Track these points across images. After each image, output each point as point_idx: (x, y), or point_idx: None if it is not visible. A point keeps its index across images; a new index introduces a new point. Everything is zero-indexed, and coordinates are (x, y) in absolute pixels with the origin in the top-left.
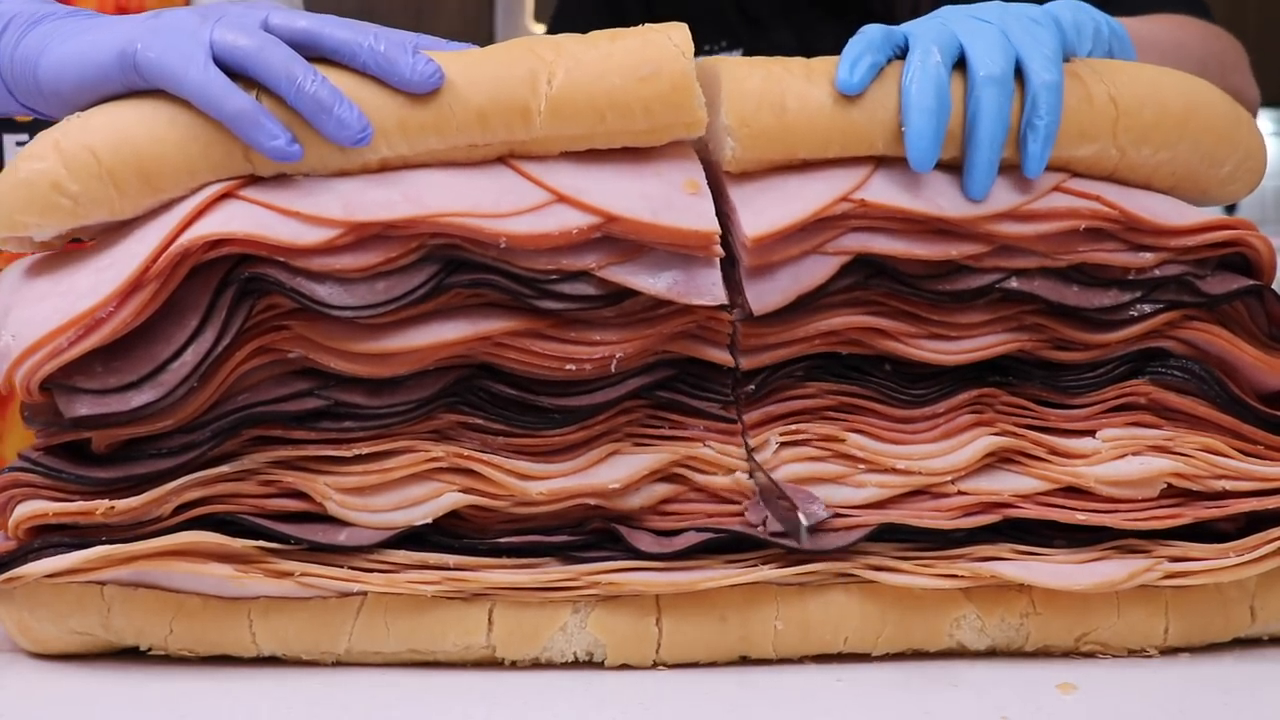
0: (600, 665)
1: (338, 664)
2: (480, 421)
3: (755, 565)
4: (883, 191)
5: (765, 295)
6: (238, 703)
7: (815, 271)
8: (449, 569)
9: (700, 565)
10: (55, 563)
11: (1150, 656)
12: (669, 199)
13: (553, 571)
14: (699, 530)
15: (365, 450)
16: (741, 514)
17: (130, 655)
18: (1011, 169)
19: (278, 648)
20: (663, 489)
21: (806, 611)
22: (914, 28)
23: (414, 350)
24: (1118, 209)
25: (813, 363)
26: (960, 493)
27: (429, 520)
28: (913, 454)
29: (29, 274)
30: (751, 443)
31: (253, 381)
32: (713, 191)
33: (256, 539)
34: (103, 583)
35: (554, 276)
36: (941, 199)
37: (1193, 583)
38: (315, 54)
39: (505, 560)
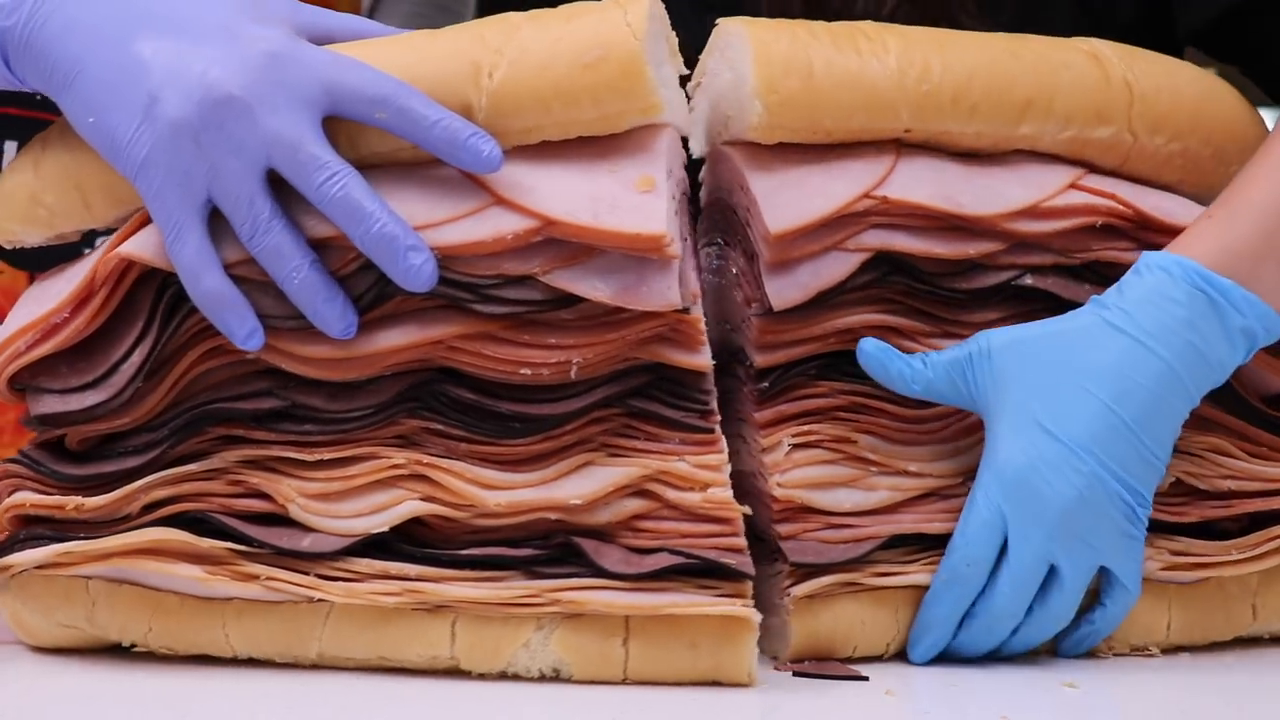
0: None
1: (315, 667)
2: (442, 427)
3: (728, 597)
4: (905, 187)
5: (785, 291)
6: (238, 702)
7: (836, 268)
8: (410, 580)
9: (670, 588)
10: (31, 555)
11: (1152, 655)
12: (616, 199)
13: (515, 587)
14: (671, 553)
15: (328, 455)
16: (716, 535)
17: (134, 653)
18: (1030, 164)
19: (251, 650)
20: (634, 504)
21: (817, 623)
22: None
23: (363, 355)
24: (1132, 208)
25: (824, 361)
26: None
27: (386, 529)
28: (924, 455)
29: (39, 281)
30: (764, 443)
31: (215, 380)
32: (731, 182)
33: (226, 540)
34: (88, 578)
35: (495, 281)
36: (961, 196)
37: (1195, 576)
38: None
39: (467, 573)
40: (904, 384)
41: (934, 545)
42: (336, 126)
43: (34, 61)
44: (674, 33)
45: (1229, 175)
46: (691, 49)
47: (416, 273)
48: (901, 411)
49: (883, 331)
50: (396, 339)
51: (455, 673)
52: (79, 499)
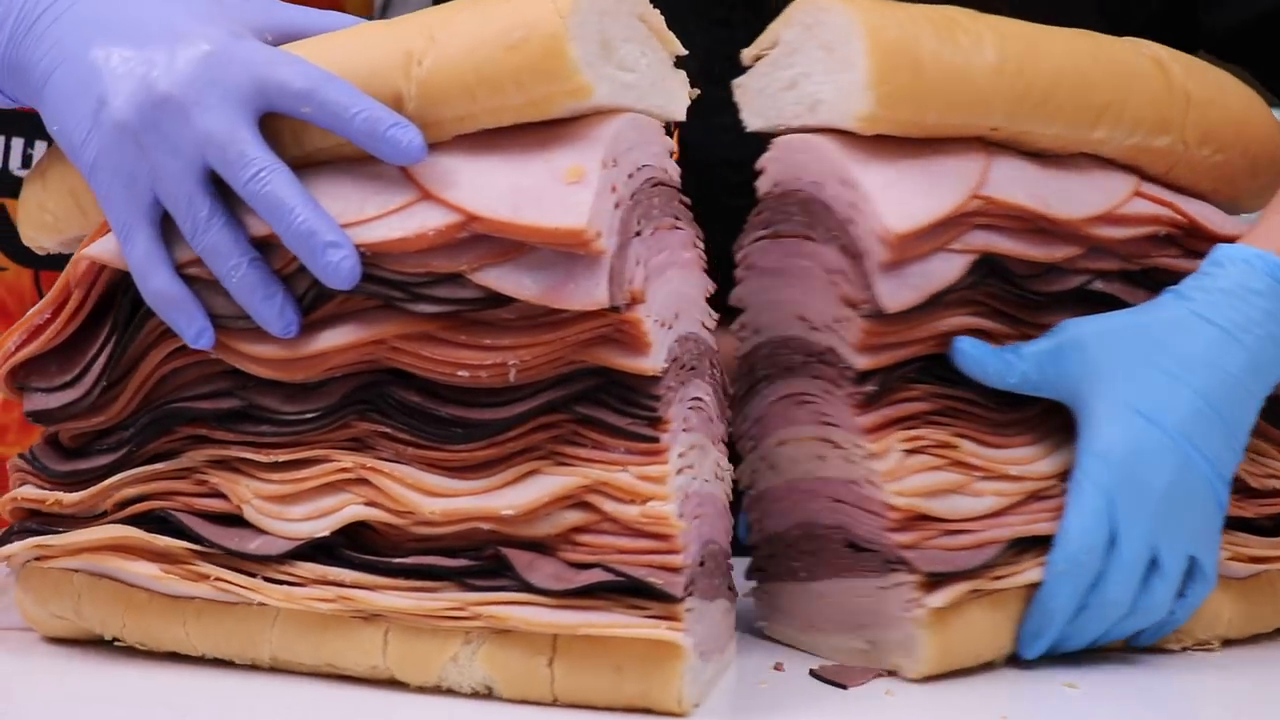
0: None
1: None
2: (390, 431)
3: (657, 619)
4: (1001, 187)
5: (899, 292)
6: (238, 702)
7: (945, 269)
8: (346, 586)
9: (599, 606)
10: (13, 546)
11: (1211, 649)
12: (541, 191)
13: (440, 599)
14: (604, 569)
15: (283, 457)
16: (652, 553)
17: (136, 653)
18: (1096, 169)
19: (210, 649)
20: (573, 517)
21: (949, 633)
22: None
23: (307, 356)
24: (1187, 217)
25: (918, 364)
26: (1065, 491)
27: (327, 533)
28: (1019, 458)
29: None
30: (872, 449)
31: (184, 380)
32: (822, 173)
33: (184, 539)
34: (74, 571)
35: (426, 279)
36: (1049, 198)
37: (1251, 570)
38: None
39: (400, 582)
40: (1000, 378)
41: (1034, 545)
42: (281, 124)
43: (17, 79)
44: (656, 10)
45: (1258, 186)
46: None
47: (335, 269)
48: (991, 415)
49: (975, 334)
50: (338, 339)
51: (398, 684)
52: (59, 494)
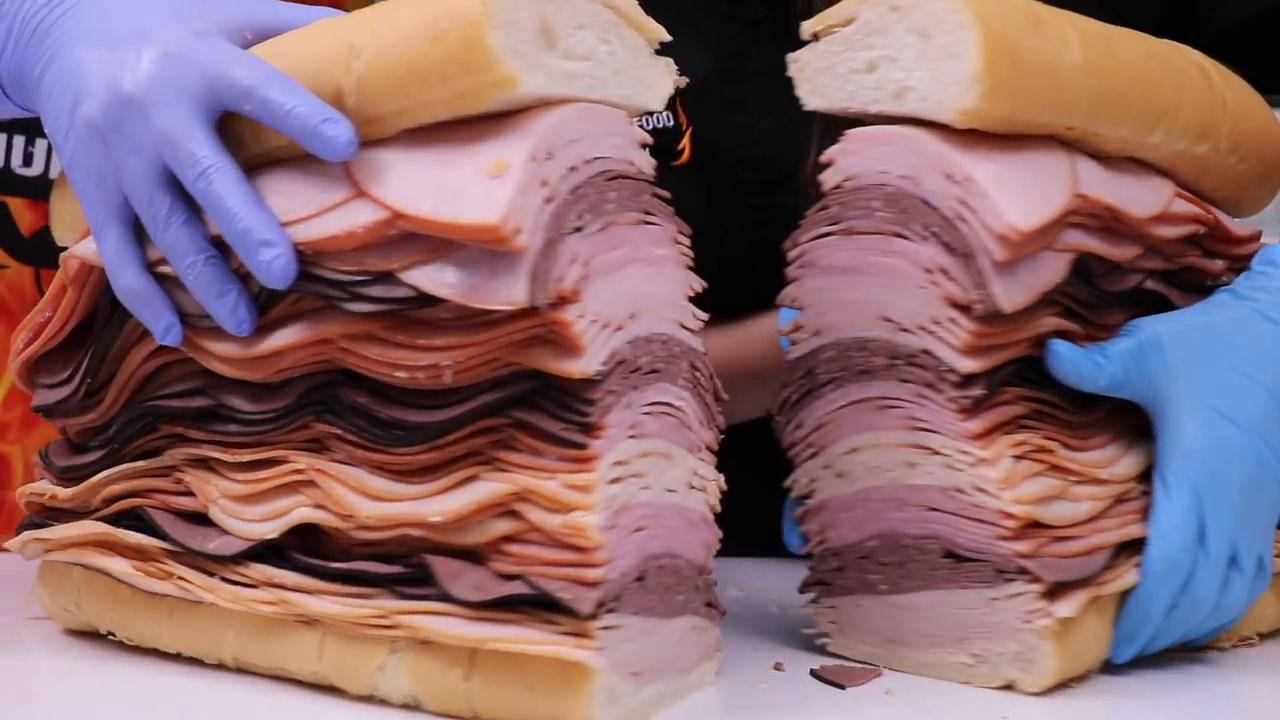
0: None
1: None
2: (341, 432)
3: (569, 635)
4: (1091, 186)
5: (1014, 292)
6: (238, 703)
7: (1050, 269)
8: (287, 589)
9: (515, 620)
10: (15, 540)
11: (1252, 644)
12: (462, 186)
13: (368, 606)
14: (524, 581)
15: (247, 457)
16: (569, 565)
17: (140, 651)
18: (1140, 170)
19: (182, 647)
20: (503, 526)
21: (1071, 642)
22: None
23: (261, 354)
24: (1215, 218)
25: (1013, 367)
26: (1145, 493)
27: (276, 535)
28: (1102, 460)
29: None
30: (982, 455)
31: (166, 378)
32: (920, 167)
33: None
34: (76, 565)
35: (360, 278)
36: (1125, 196)
37: None
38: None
39: (336, 587)
40: (1093, 380)
41: (1124, 548)
42: (243, 122)
43: (21, 84)
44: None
45: (1262, 193)
46: None
47: (267, 268)
48: (1071, 418)
49: (1060, 336)
50: (288, 338)
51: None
52: (55, 489)
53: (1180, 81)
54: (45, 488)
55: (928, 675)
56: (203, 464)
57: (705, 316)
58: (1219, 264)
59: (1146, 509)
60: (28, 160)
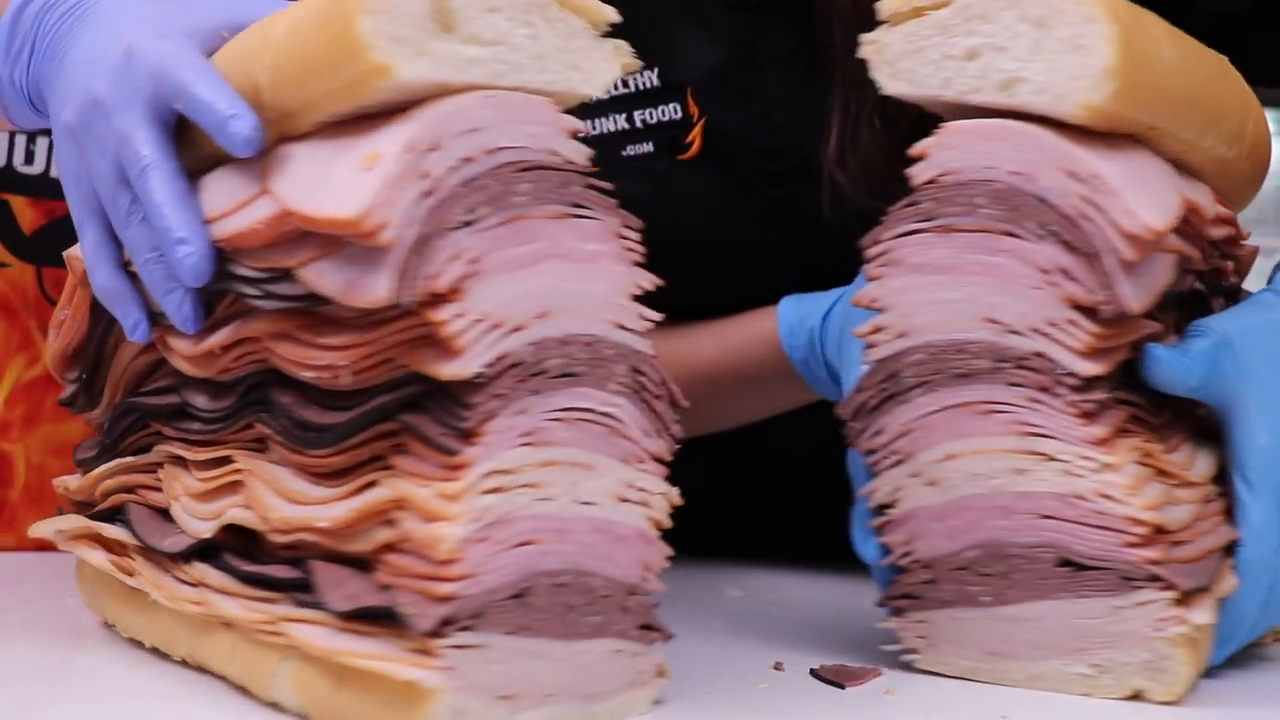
0: None
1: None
2: (270, 432)
3: (416, 652)
4: (1182, 187)
5: (1139, 293)
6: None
7: (1164, 270)
8: (211, 589)
9: (373, 633)
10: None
11: None
12: (330, 179)
13: (261, 611)
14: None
15: (203, 455)
16: (425, 578)
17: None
18: (1185, 172)
19: (157, 642)
20: (385, 534)
21: (1198, 649)
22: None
23: (202, 352)
24: (1232, 220)
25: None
26: (1221, 493)
27: (210, 534)
28: (1184, 462)
29: None
30: (1107, 461)
31: (156, 376)
32: (1035, 163)
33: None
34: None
35: (269, 275)
36: (1195, 197)
37: None
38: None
39: (247, 589)
40: (1184, 382)
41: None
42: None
43: (43, 100)
44: None
45: (1249, 195)
46: None
47: (181, 265)
48: (1153, 420)
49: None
50: (224, 336)
51: None
52: (67, 481)
53: (1227, 85)
54: (68, 480)
55: (1039, 688)
56: (178, 461)
57: (656, 317)
58: (1230, 264)
59: (1228, 510)
60: (29, 158)
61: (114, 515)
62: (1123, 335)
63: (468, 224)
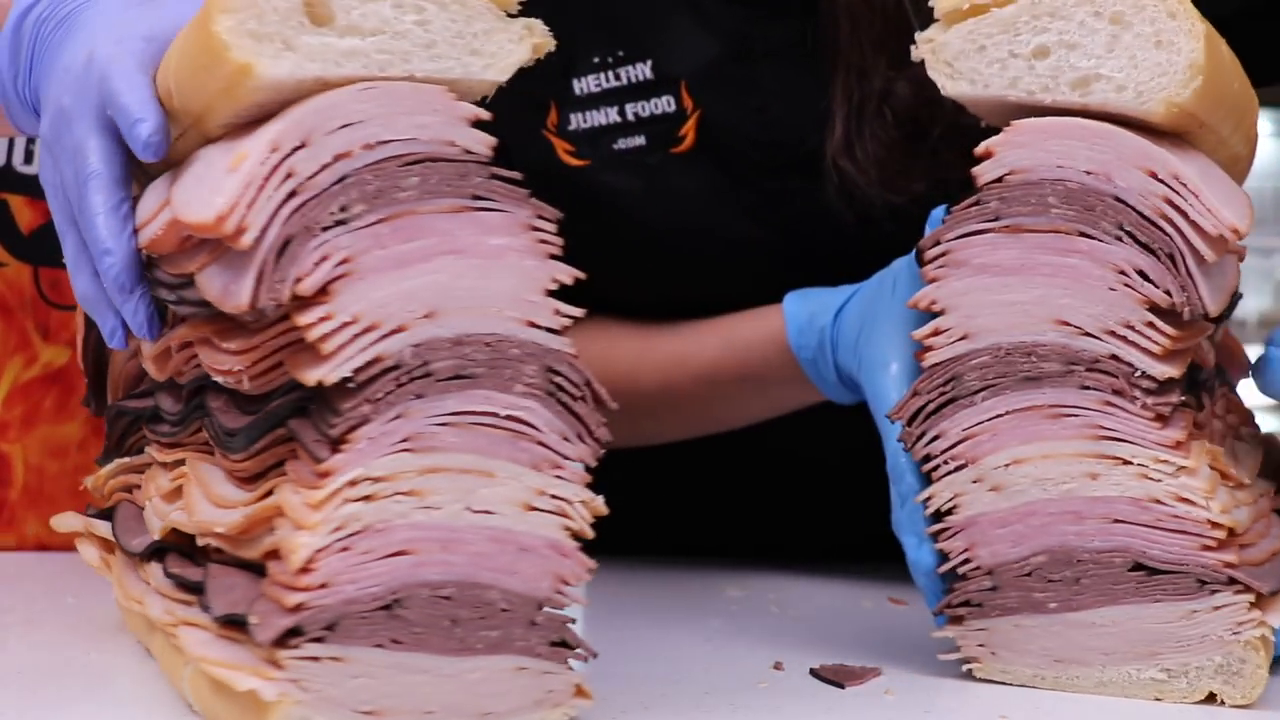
0: None
1: None
2: (206, 436)
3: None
4: None
5: (1215, 294)
6: None
7: (1232, 271)
8: (150, 589)
9: (242, 639)
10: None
11: None
12: (200, 182)
13: (171, 612)
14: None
15: (168, 458)
16: (280, 586)
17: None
18: None
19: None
20: (269, 541)
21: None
22: None
23: (154, 355)
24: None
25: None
26: (1263, 494)
27: (158, 536)
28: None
29: None
30: (1185, 464)
31: (146, 379)
32: (1112, 163)
33: None
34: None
35: (181, 281)
36: None
37: None
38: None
39: (171, 591)
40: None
41: None
42: None
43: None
44: None
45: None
46: None
47: (105, 274)
48: (1197, 418)
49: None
50: (166, 341)
51: None
52: (87, 480)
53: (1247, 82)
54: (89, 478)
55: (1108, 694)
56: (160, 463)
57: (576, 313)
58: None
59: (1269, 509)
60: (29, 158)
61: (111, 514)
62: (1194, 337)
63: (341, 223)
